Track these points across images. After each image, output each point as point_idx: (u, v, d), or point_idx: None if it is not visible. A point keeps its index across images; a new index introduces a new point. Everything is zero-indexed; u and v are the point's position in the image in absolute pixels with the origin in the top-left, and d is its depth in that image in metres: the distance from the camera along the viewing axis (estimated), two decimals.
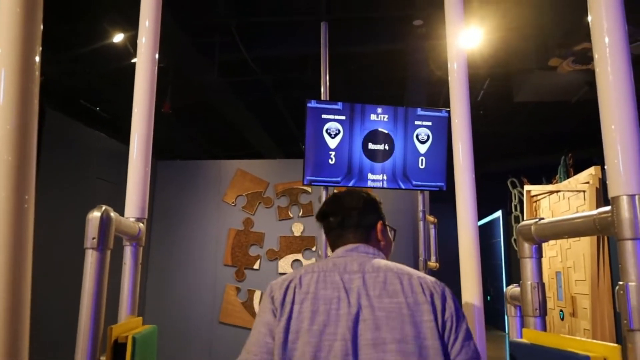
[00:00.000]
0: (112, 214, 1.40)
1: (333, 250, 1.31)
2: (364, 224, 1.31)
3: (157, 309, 5.09)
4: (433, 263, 3.42)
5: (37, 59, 1.23)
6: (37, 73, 1.22)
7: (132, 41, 4.70)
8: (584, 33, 4.00)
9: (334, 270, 1.17)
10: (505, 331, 8.79)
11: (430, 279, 1.18)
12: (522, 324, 1.48)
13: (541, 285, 1.45)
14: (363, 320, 1.08)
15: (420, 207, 3.55)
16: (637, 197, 1.07)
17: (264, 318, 1.14)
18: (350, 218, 1.30)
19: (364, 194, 1.39)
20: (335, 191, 1.36)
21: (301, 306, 1.12)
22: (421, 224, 3.54)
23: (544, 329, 1.43)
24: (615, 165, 1.11)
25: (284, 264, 5.02)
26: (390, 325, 1.06)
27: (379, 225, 1.36)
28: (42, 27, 1.25)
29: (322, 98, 3.79)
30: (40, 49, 1.28)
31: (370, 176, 3.45)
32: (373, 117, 3.49)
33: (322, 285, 1.14)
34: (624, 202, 1.08)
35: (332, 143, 3.46)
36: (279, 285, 1.18)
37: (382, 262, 1.21)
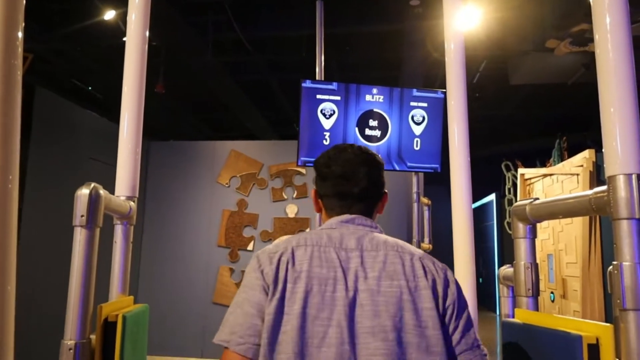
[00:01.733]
0: (102, 191, 1.37)
1: (327, 213, 1.17)
2: (373, 195, 1.17)
3: (150, 290, 5.09)
4: (426, 244, 3.43)
5: (20, 34, 1.19)
6: (20, 49, 1.18)
7: (124, 18, 4.61)
8: (582, 14, 3.96)
9: (329, 245, 1.05)
10: (496, 312, 8.91)
11: (434, 261, 1.09)
12: (515, 304, 1.48)
13: (534, 266, 1.45)
14: (360, 305, 0.99)
15: (415, 189, 3.54)
16: (633, 176, 1.06)
17: (253, 296, 1.01)
18: (359, 185, 1.13)
19: (372, 154, 1.19)
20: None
21: (294, 285, 1.00)
22: (415, 205, 3.53)
23: (537, 309, 1.43)
24: (613, 146, 1.10)
25: None
26: (390, 311, 0.98)
27: (385, 197, 1.23)
28: (24, 1, 1.21)
29: (317, 78, 3.75)
30: (23, 24, 1.23)
31: None
32: (368, 97, 3.46)
33: (316, 263, 1.02)
34: (621, 182, 1.07)
35: (327, 124, 3.43)
36: (268, 258, 1.05)
37: (381, 237, 1.11)
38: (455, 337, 1.02)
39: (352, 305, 0.99)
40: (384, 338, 0.96)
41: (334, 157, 1.15)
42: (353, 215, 1.14)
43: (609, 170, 1.10)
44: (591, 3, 1.20)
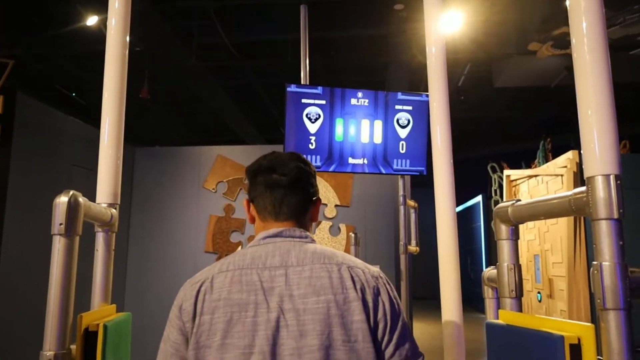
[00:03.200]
0: (81, 199, 1.35)
1: (259, 217, 1.13)
2: (305, 200, 1.11)
3: (137, 298, 5.03)
4: (413, 247, 3.44)
5: None
6: None
7: (106, 24, 4.57)
8: (563, 17, 4.01)
9: (251, 267, 1.01)
10: (484, 313, 8.96)
11: (364, 268, 1.03)
12: (499, 306, 1.49)
13: (517, 267, 1.45)
14: (285, 326, 0.94)
15: (401, 192, 3.56)
16: (612, 177, 1.07)
17: (172, 334, 1.01)
18: (289, 175, 1.08)
19: (304, 159, 1.15)
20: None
21: (212, 316, 0.96)
22: (402, 208, 3.54)
23: (520, 310, 1.44)
24: (591, 147, 1.11)
25: None
26: (317, 329, 0.93)
27: (318, 204, 1.17)
28: None
29: (302, 82, 3.75)
30: None
31: (350, 160, 3.43)
32: (353, 101, 3.47)
33: (236, 288, 0.97)
34: (599, 182, 1.07)
35: (313, 128, 3.43)
36: (190, 289, 1.02)
37: (309, 249, 1.04)
38: (389, 351, 0.98)
39: (275, 328, 0.94)
40: (311, 359, 0.92)
41: (264, 157, 1.13)
42: (281, 228, 1.08)
43: (587, 171, 1.11)
44: (568, 7, 1.22)
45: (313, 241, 1.10)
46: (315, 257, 1.02)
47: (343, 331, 0.94)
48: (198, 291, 1.00)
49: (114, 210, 1.66)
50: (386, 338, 0.98)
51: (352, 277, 1.00)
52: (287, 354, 0.93)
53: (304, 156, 1.16)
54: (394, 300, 1.02)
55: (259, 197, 1.11)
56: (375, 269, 1.05)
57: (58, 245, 1.30)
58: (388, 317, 0.99)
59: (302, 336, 0.93)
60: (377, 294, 1.00)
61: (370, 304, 0.98)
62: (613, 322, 1.03)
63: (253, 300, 0.96)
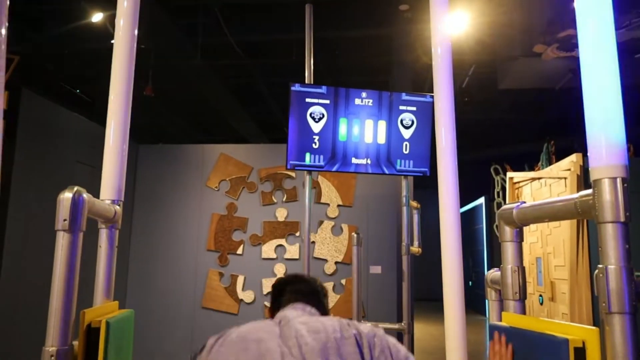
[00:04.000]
0: (85, 195, 1.35)
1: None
2: (319, 300, 1.37)
3: (139, 294, 5.04)
4: (415, 248, 3.43)
5: (4, 31, 1.17)
6: (3, 46, 1.16)
7: (112, 21, 4.58)
8: (569, 20, 4.00)
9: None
10: (486, 315, 8.94)
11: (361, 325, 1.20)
12: (502, 308, 1.48)
13: (521, 269, 1.45)
14: (289, 354, 1.10)
15: (404, 193, 3.55)
16: (618, 180, 1.06)
17: None
18: (308, 286, 1.37)
19: (319, 283, 1.43)
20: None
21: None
22: (405, 209, 3.54)
23: (524, 312, 1.43)
24: (598, 150, 1.10)
25: (268, 249, 5.00)
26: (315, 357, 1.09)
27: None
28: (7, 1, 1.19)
29: (306, 82, 3.75)
30: (7, 23, 1.22)
31: (354, 160, 3.43)
32: (357, 101, 3.46)
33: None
34: (606, 185, 1.07)
35: (316, 127, 3.42)
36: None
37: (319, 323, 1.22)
38: None
39: (281, 356, 1.10)
40: None
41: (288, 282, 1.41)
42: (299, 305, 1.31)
43: (594, 174, 1.10)
44: (575, 9, 1.21)
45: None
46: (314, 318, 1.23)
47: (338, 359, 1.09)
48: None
49: (117, 207, 1.66)
50: None
51: (348, 324, 1.18)
52: None
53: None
54: (393, 344, 1.17)
55: (283, 302, 1.36)
56: (378, 330, 1.20)
57: (62, 241, 1.30)
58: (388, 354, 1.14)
59: None
60: (371, 341, 1.15)
61: (366, 343, 1.14)
62: (618, 325, 1.02)
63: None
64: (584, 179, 3.86)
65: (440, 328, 1.81)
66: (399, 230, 4.26)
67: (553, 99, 6.37)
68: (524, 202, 1.43)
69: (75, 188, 1.33)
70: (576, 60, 1.24)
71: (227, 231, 5.08)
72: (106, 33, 4.78)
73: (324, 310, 1.36)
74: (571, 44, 4.36)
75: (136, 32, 1.85)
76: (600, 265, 1.07)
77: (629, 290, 1.02)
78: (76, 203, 1.31)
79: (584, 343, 1.09)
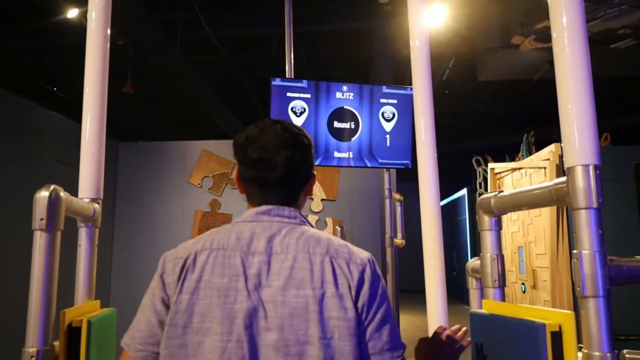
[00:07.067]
0: (62, 193, 1.33)
1: (247, 200, 1.11)
2: (294, 180, 1.07)
3: (123, 293, 4.99)
4: (399, 240, 3.46)
5: None
6: None
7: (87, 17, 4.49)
8: (546, 11, 4.05)
9: (235, 248, 0.99)
10: (469, 305, 9.06)
11: (348, 257, 1.00)
12: (483, 296, 1.50)
13: (500, 257, 1.47)
14: (263, 317, 0.93)
15: (387, 185, 3.57)
16: (591, 167, 1.08)
17: (154, 304, 0.99)
18: (277, 170, 1.03)
19: (296, 132, 1.08)
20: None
21: (191, 297, 0.95)
22: (387, 201, 3.56)
23: (503, 299, 1.46)
24: (571, 138, 1.12)
25: None
26: (294, 325, 0.93)
27: (312, 180, 1.12)
28: None
29: (287, 76, 3.73)
30: None
31: (336, 154, 3.43)
32: (338, 95, 3.47)
33: (218, 271, 0.97)
34: (579, 172, 1.09)
35: (298, 122, 3.42)
36: (172, 264, 1.01)
37: (296, 232, 1.02)
38: (368, 341, 0.97)
39: (254, 317, 0.93)
40: (286, 352, 0.92)
41: (253, 138, 1.06)
42: (270, 206, 1.05)
43: (567, 162, 1.12)
44: (548, 2, 1.23)
45: (303, 222, 1.07)
46: (299, 244, 1.00)
47: (320, 327, 0.93)
48: (182, 268, 0.99)
49: (96, 205, 1.65)
50: (368, 330, 0.97)
51: (333, 271, 0.97)
52: (263, 344, 0.93)
53: (297, 129, 1.10)
54: (376, 290, 1.00)
55: (246, 185, 1.10)
56: (363, 256, 1.02)
57: (39, 240, 1.28)
58: (366, 308, 0.97)
59: (279, 329, 0.93)
60: (360, 285, 0.98)
61: (353, 297, 0.96)
62: (592, 309, 1.05)
63: (234, 287, 0.95)
64: (562, 168, 3.93)
65: (425, 319, 1.83)
66: (383, 222, 4.29)
67: (532, 90, 6.45)
68: (502, 191, 1.45)
69: (52, 187, 1.31)
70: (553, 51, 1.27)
71: (210, 228, 5.06)
72: (82, 29, 4.70)
73: (304, 190, 1.11)
74: (548, 35, 4.40)
75: (109, 25, 1.82)
76: (574, 251, 1.10)
77: (602, 275, 1.05)
78: (53, 202, 1.29)
79: (560, 327, 1.12)
